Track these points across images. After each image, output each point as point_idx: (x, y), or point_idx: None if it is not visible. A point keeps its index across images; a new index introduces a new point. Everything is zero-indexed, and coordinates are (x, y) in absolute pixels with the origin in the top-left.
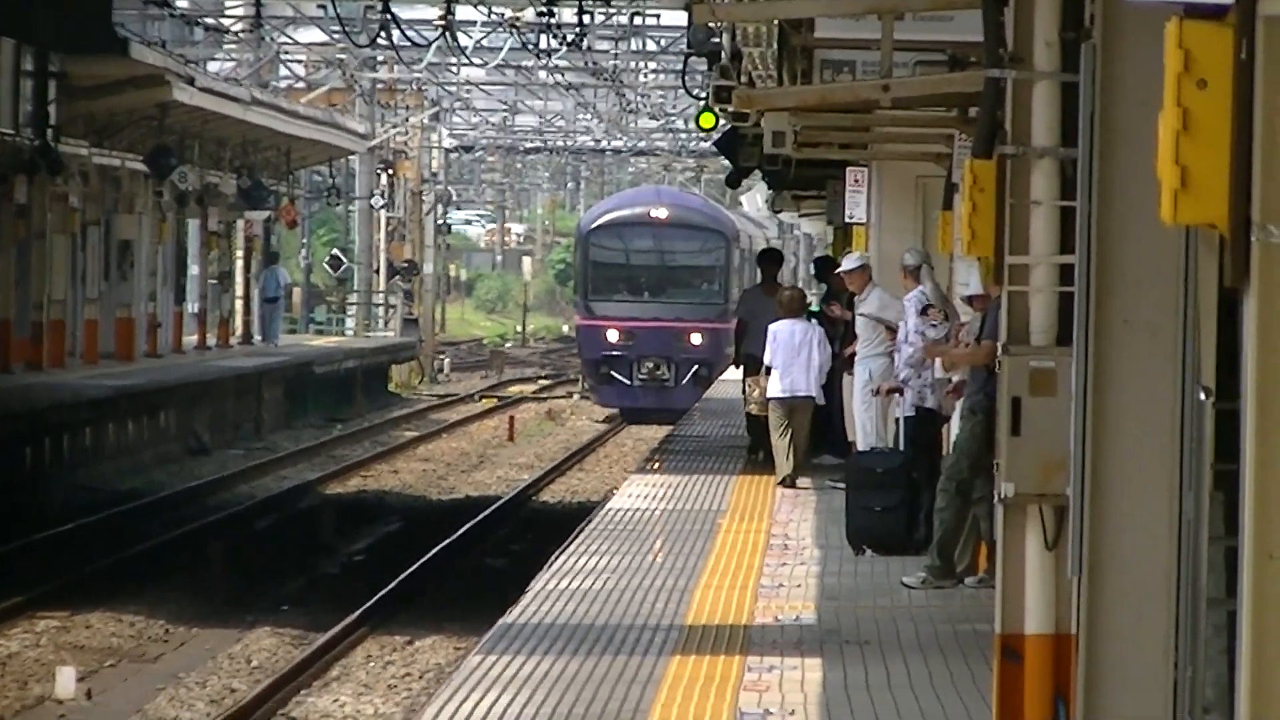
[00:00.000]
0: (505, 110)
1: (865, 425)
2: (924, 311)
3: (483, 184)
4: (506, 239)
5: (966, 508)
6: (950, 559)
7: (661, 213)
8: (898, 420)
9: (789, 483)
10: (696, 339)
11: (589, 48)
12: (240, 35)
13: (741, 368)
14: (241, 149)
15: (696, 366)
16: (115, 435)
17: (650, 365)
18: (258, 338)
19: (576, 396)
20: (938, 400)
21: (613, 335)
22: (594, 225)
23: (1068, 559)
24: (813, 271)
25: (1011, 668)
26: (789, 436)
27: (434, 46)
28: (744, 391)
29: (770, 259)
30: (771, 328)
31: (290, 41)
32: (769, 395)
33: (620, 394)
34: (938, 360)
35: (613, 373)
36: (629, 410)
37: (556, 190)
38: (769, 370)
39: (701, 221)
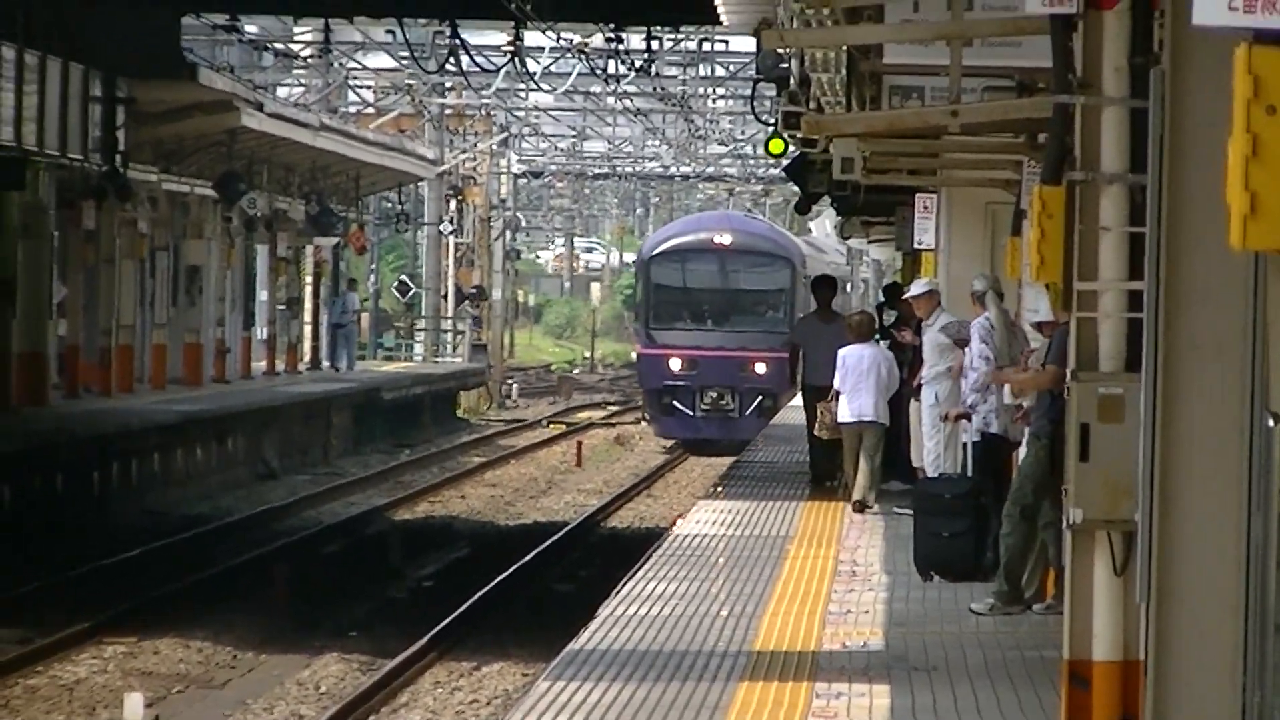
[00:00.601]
0: (574, 136)
1: (932, 451)
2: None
3: (551, 210)
4: (575, 264)
5: (1032, 533)
6: (1017, 584)
7: (726, 238)
8: (965, 445)
9: (859, 507)
10: (761, 368)
11: (657, 73)
12: (309, 61)
13: (801, 394)
14: (310, 174)
15: (761, 397)
16: (183, 460)
17: (714, 395)
18: (326, 363)
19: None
20: (1004, 425)
21: (675, 364)
22: (656, 251)
23: (1136, 585)
24: (882, 298)
25: (1079, 694)
26: (858, 461)
27: (503, 72)
28: (807, 418)
29: (825, 285)
30: (841, 352)
31: (359, 67)
32: (839, 420)
33: (683, 425)
34: (1005, 385)
35: (675, 403)
36: (691, 441)
37: (625, 216)
38: (838, 395)
39: (767, 247)
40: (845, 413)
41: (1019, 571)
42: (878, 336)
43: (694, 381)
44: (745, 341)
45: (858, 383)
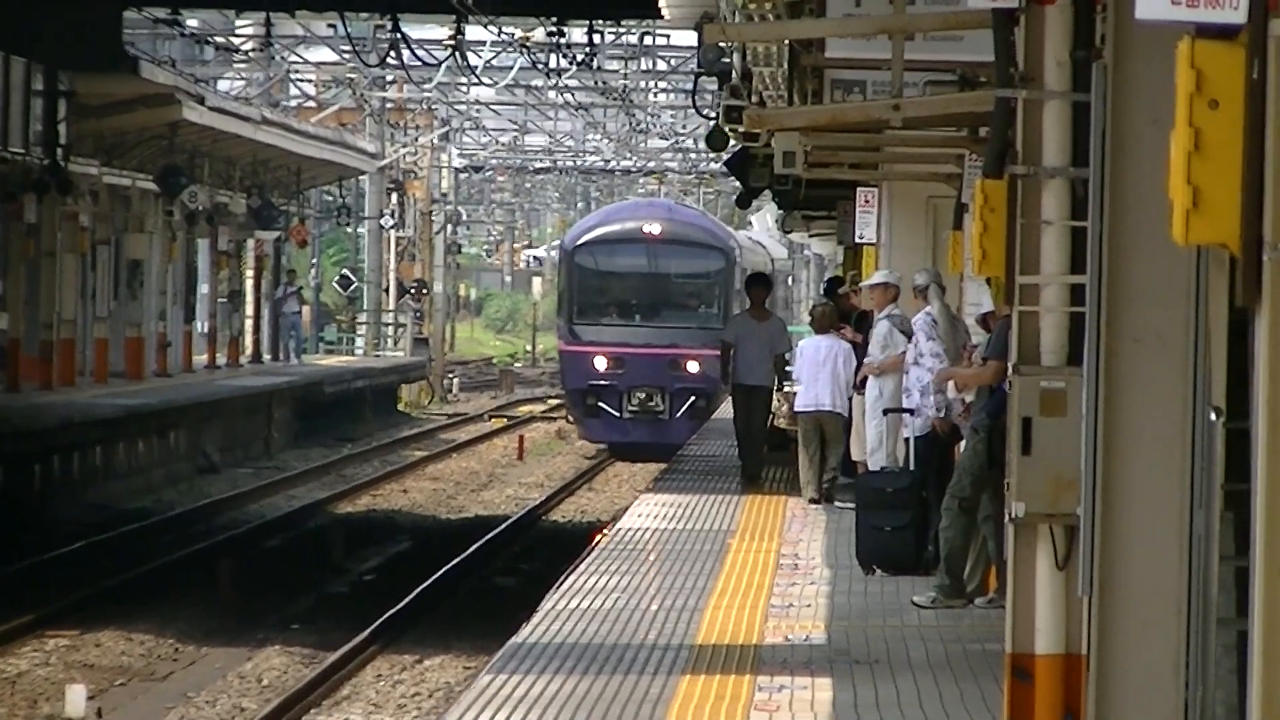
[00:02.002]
0: (515, 130)
1: (873, 444)
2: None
3: (492, 204)
4: (516, 259)
5: (971, 526)
6: (959, 577)
7: (655, 227)
8: (907, 440)
9: (817, 500)
10: (693, 367)
11: (599, 67)
12: (250, 54)
13: (731, 397)
14: (252, 168)
15: (693, 397)
16: (125, 454)
17: (642, 396)
18: (275, 357)
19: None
20: (950, 421)
21: (600, 363)
22: (580, 241)
23: (1078, 578)
24: (823, 291)
25: (1022, 687)
26: (817, 453)
27: (444, 66)
28: (735, 416)
29: (759, 282)
30: (800, 343)
31: (300, 61)
32: (796, 409)
33: (609, 428)
34: (952, 380)
35: (600, 404)
36: (619, 446)
37: (566, 210)
38: (793, 383)
39: (699, 237)
40: (801, 402)
41: (960, 565)
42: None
43: (621, 382)
44: (676, 338)
45: (815, 373)
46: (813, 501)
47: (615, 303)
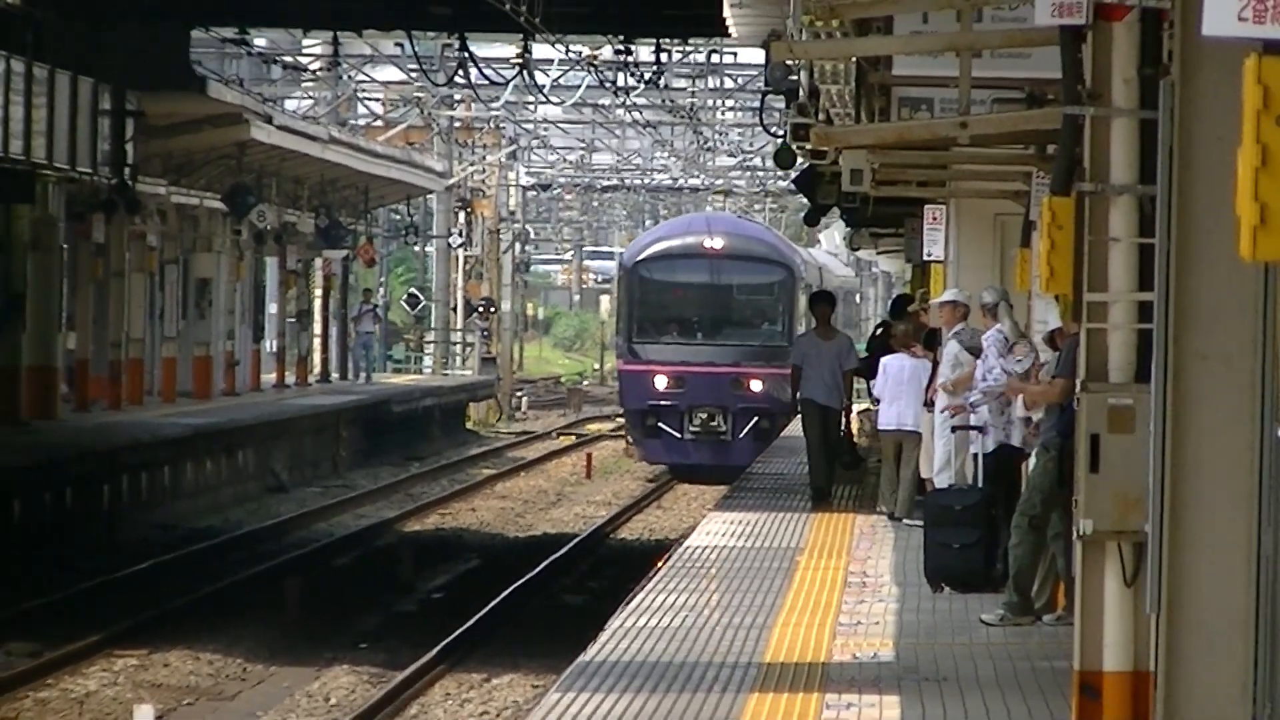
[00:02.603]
0: (583, 148)
1: (942, 463)
2: (1010, 348)
3: (560, 222)
4: (584, 277)
5: (1041, 543)
6: (1027, 595)
7: (717, 242)
8: (975, 456)
9: (895, 516)
10: (756, 386)
11: (666, 85)
12: (318, 74)
13: (800, 414)
14: (319, 187)
15: (756, 418)
16: (193, 473)
17: (703, 416)
18: (344, 376)
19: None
20: (1023, 437)
21: (660, 382)
22: (640, 256)
23: (1146, 595)
24: (890, 308)
25: (1090, 705)
26: (896, 470)
27: (511, 84)
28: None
29: (823, 301)
30: (882, 361)
31: (368, 80)
32: (879, 427)
33: (670, 449)
34: (1020, 398)
35: (660, 425)
36: (679, 468)
37: (634, 228)
38: (878, 402)
39: (762, 252)
40: (884, 420)
41: (1028, 582)
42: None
43: (682, 401)
44: (739, 356)
45: (897, 391)
46: (894, 518)
47: (676, 320)
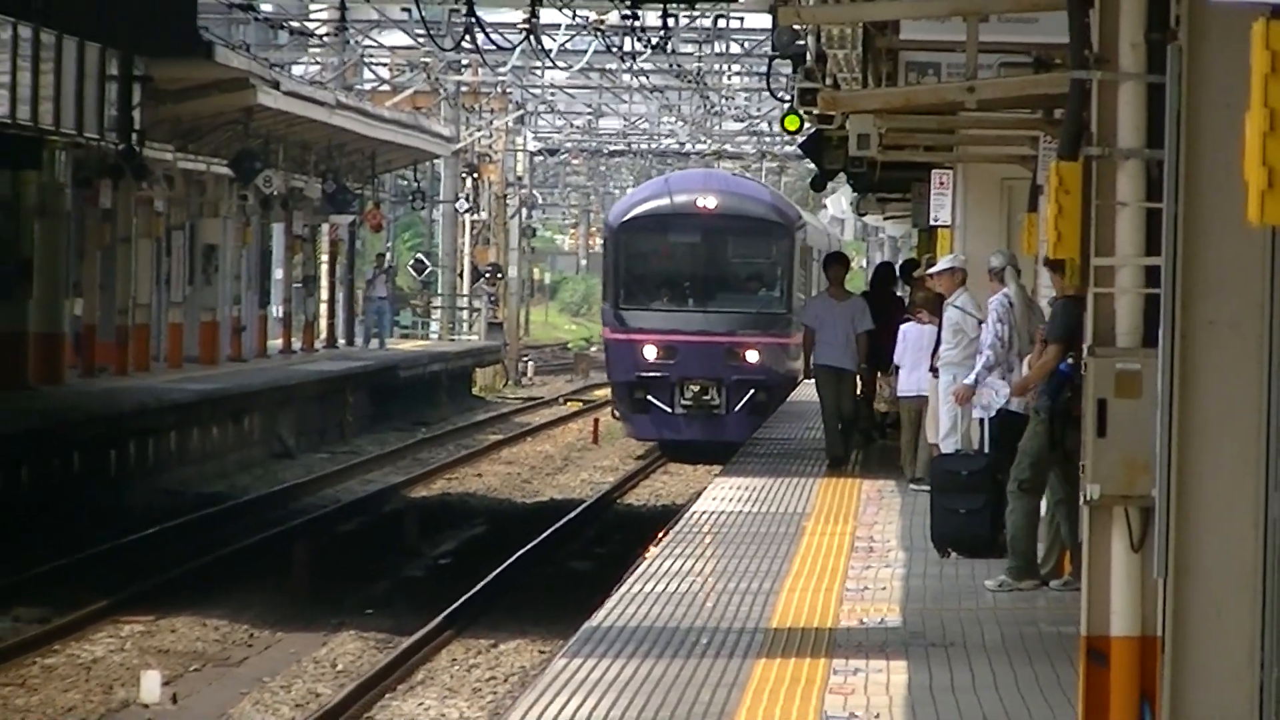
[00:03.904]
0: (589, 113)
1: (948, 428)
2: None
3: (567, 187)
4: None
5: (1033, 507)
6: (1025, 556)
7: (710, 201)
8: (980, 421)
9: (918, 479)
10: (752, 356)
11: (673, 51)
12: (325, 39)
13: (815, 379)
14: (326, 153)
15: (753, 390)
16: (199, 439)
17: (696, 389)
18: (360, 342)
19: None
20: (1023, 402)
21: (650, 352)
22: (627, 217)
23: (1153, 560)
24: (898, 274)
25: (1097, 670)
26: (916, 435)
27: (518, 49)
28: (820, 399)
29: (838, 262)
30: (903, 327)
31: (375, 45)
32: (898, 394)
33: (659, 424)
34: (1024, 361)
35: (649, 398)
36: (670, 444)
37: None
38: (897, 369)
39: (759, 211)
40: (904, 386)
41: (1025, 545)
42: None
43: (672, 372)
44: (733, 324)
45: (918, 359)
46: (913, 482)
47: (666, 285)
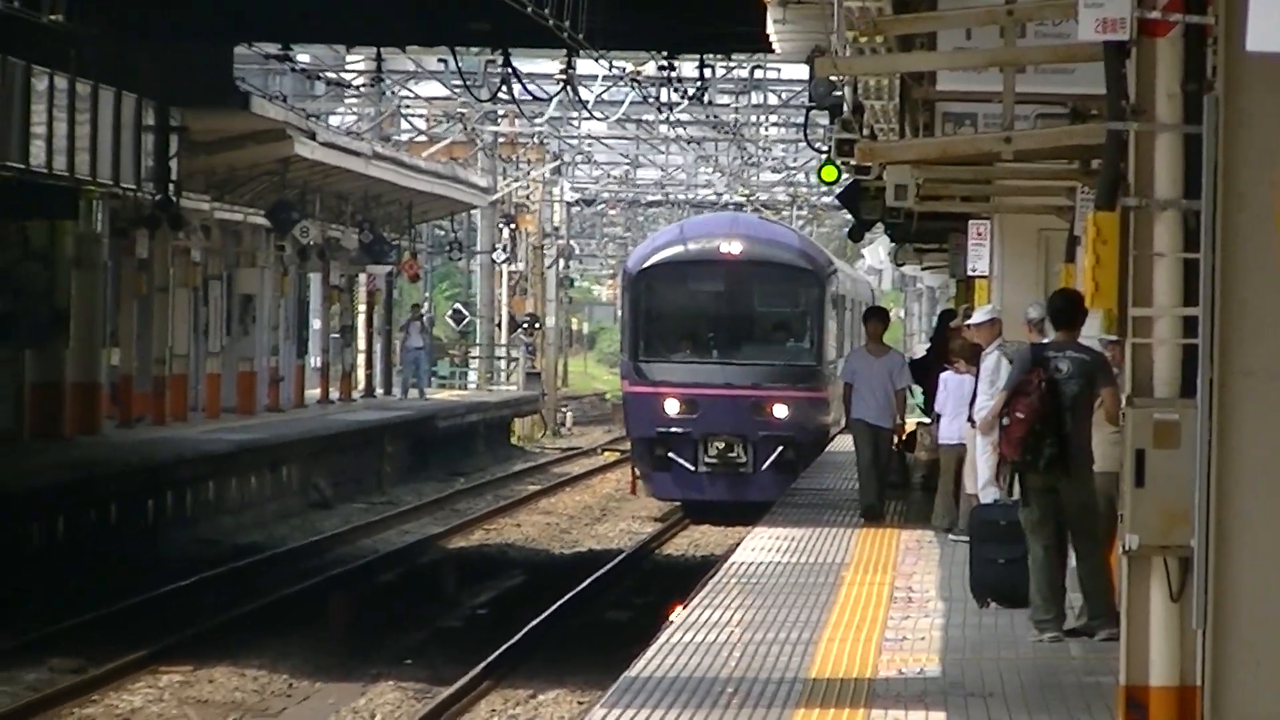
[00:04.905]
0: (627, 163)
1: (987, 478)
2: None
3: (604, 237)
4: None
5: (1038, 555)
6: (1036, 606)
7: (735, 247)
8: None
9: (955, 530)
10: (780, 411)
11: (710, 101)
12: (361, 89)
13: (851, 433)
14: (363, 203)
15: (781, 447)
16: (237, 489)
17: (720, 446)
18: (398, 393)
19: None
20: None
21: (671, 406)
22: (646, 264)
23: (1192, 610)
24: (934, 324)
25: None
26: (956, 484)
27: (555, 100)
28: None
29: (876, 317)
30: (943, 376)
31: (411, 95)
32: (940, 441)
33: (682, 483)
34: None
35: (671, 455)
36: (693, 505)
37: None
38: (938, 417)
39: (787, 258)
40: (945, 434)
41: (1034, 595)
42: (944, 366)
43: (695, 428)
44: (760, 377)
45: (959, 407)
46: (949, 531)
47: (688, 335)
